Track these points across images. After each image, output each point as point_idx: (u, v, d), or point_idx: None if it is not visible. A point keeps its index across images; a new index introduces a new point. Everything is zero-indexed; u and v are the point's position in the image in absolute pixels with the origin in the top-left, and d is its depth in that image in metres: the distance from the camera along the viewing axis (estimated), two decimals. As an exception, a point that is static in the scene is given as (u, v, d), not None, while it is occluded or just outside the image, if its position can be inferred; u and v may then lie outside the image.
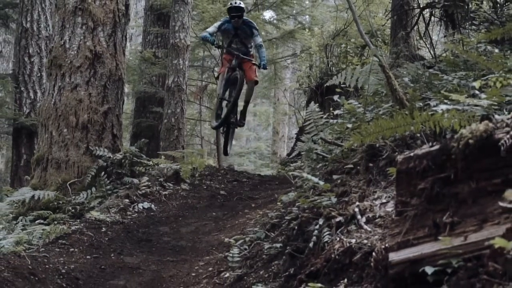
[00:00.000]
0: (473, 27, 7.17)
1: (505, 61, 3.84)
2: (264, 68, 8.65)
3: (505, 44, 5.13)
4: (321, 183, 3.83)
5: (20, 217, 6.38)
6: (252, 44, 8.78)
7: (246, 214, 6.13)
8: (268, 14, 16.15)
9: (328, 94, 8.73)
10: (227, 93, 8.69)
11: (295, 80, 15.68)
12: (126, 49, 8.70)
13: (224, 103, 8.64)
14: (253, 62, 8.57)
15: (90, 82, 7.39)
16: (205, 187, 7.49)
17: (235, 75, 8.50)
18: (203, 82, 15.82)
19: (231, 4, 8.62)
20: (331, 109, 6.39)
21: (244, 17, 8.66)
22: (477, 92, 3.24)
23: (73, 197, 6.68)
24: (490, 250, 1.79)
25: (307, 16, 16.82)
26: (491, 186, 1.96)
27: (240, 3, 8.57)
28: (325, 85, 9.09)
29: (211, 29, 8.64)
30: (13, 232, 5.79)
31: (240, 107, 9.02)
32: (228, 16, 8.65)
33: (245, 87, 8.85)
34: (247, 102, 8.95)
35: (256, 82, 8.86)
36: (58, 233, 5.53)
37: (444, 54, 6.94)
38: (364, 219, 3.27)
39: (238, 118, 8.90)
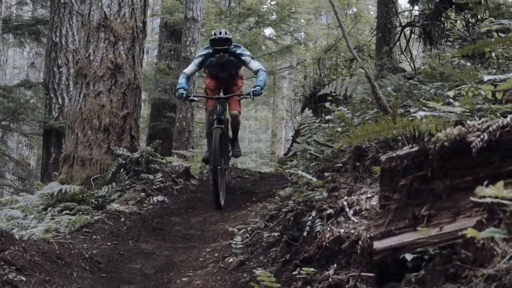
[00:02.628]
0: (448, 43, 7.16)
1: (476, 73, 3.83)
2: (256, 94, 6.23)
3: (476, 59, 5.12)
4: (314, 179, 3.83)
5: (49, 208, 6.38)
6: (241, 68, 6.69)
7: (248, 207, 6.12)
8: (268, 31, 16.12)
9: (320, 102, 8.68)
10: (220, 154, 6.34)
11: (292, 89, 15.69)
12: (143, 61, 8.70)
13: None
14: (241, 96, 6.53)
15: (112, 90, 7.38)
16: (212, 182, 7.48)
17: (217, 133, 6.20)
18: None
19: (214, 34, 6.35)
20: (323, 114, 6.39)
21: (231, 47, 6.34)
22: (451, 100, 3.23)
23: (96, 191, 6.67)
24: (462, 240, 1.79)
25: (302, 33, 16.82)
26: (464, 183, 1.96)
27: (226, 33, 6.31)
28: (318, 94, 9.04)
29: (190, 69, 6.53)
30: (43, 221, 5.79)
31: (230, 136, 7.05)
32: (210, 47, 6.39)
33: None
34: (235, 133, 6.86)
35: (239, 114, 6.71)
36: (83, 222, 5.53)
37: (423, 67, 6.93)
38: (351, 212, 3.27)
39: (231, 148, 6.87)
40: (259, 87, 6.22)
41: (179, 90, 6.33)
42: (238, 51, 6.38)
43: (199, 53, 6.62)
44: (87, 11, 7.68)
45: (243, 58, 6.37)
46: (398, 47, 9.02)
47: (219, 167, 6.14)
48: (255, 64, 6.39)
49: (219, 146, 6.17)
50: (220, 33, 6.32)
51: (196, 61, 6.55)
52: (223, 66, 6.41)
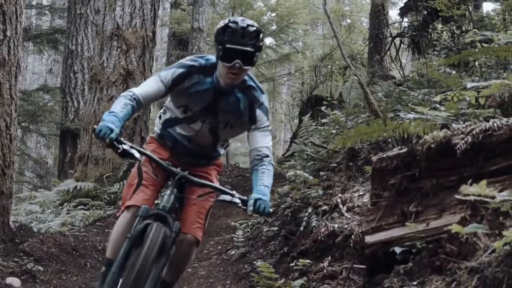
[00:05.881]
0: (435, 52, 7.16)
1: (461, 80, 3.83)
2: (261, 211, 2.53)
3: (461, 67, 5.12)
4: (310, 178, 3.83)
5: (65, 204, 6.38)
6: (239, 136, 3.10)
7: (249, 203, 6.10)
8: (268, 40, 16.10)
9: (316, 106, 8.68)
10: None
11: (290, 94, 15.68)
12: (153, 68, 8.69)
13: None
14: (218, 197, 2.82)
15: (123, 94, 7.40)
16: (215, 181, 7.44)
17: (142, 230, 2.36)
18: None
19: (231, 22, 2.48)
20: (319, 118, 6.39)
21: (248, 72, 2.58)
22: (438, 105, 3.23)
23: (108, 187, 6.67)
24: (447, 234, 1.79)
25: (300, 42, 16.80)
26: (449, 182, 1.96)
27: (253, 25, 2.48)
28: (314, 96, 9.01)
29: (148, 88, 2.62)
30: (59, 216, 5.79)
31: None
32: (213, 57, 2.58)
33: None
34: (175, 274, 2.79)
35: (197, 243, 2.76)
36: (96, 216, 5.53)
37: (411, 75, 6.93)
38: (345, 208, 3.27)
39: None
40: (267, 198, 2.65)
41: (106, 123, 2.39)
42: (257, 93, 2.71)
43: (179, 63, 2.70)
44: (101, 21, 7.69)
45: (258, 110, 2.72)
46: (389, 56, 9.02)
47: None
48: (268, 137, 2.80)
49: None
50: (244, 21, 2.53)
51: (167, 74, 2.64)
52: (216, 106, 2.67)
